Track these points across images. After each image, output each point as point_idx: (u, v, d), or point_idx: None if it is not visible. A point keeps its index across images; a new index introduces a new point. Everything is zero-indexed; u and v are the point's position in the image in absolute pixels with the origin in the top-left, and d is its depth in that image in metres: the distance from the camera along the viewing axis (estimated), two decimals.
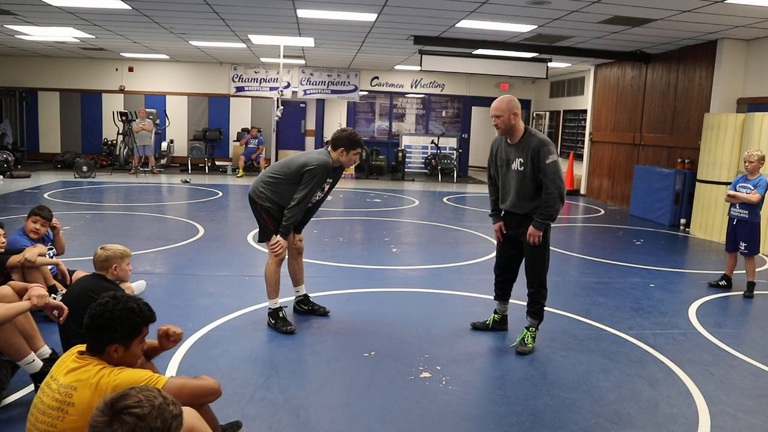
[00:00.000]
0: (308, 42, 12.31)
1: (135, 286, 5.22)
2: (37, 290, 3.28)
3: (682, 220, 10.31)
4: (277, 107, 13.99)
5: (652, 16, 8.54)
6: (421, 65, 12.54)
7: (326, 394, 3.63)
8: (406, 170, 17.13)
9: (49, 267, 4.76)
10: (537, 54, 12.19)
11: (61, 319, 3.23)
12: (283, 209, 4.49)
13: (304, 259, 5.07)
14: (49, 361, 3.41)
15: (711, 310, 5.67)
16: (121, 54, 15.94)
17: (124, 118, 15.60)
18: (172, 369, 3.80)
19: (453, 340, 4.58)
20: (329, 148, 4.58)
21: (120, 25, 11.18)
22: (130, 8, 9.42)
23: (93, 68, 17.20)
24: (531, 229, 4.29)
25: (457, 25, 9.88)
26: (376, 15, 9.30)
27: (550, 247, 4.54)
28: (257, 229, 4.79)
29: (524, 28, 9.93)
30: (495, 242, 4.80)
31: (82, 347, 2.36)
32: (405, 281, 6.27)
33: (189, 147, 16.83)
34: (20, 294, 3.44)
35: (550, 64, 13.20)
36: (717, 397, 3.73)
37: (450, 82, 18.09)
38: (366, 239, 8.65)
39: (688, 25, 8.97)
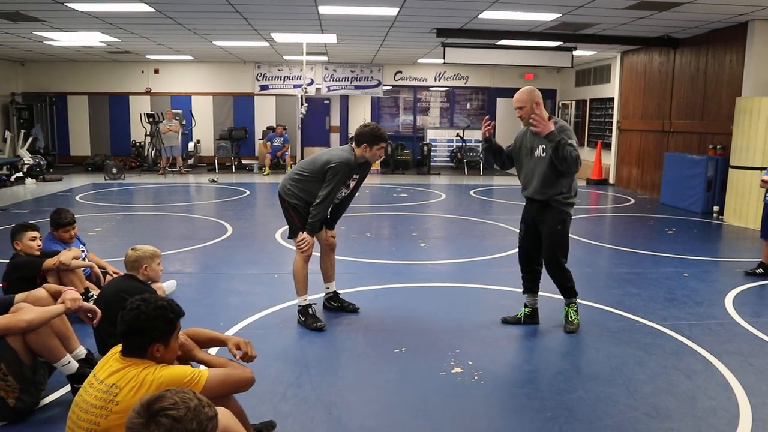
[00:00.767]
0: (331, 38, 12.32)
1: (166, 286, 5.28)
2: (71, 294, 3.33)
3: (716, 208, 10.10)
4: (302, 104, 14.03)
5: (680, 0, 8.35)
6: (444, 58, 12.45)
7: (358, 391, 3.63)
8: (431, 164, 17.06)
9: (83, 269, 4.84)
10: (562, 43, 12.01)
11: (95, 321, 3.28)
12: (310, 206, 4.50)
13: (334, 256, 5.07)
14: (85, 362, 3.46)
15: (748, 299, 5.54)
16: (147, 56, 16.13)
17: (151, 119, 15.80)
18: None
19: (484, 334, 4.54)
20: (353, 145, 4.57)
21: (144, 27, 11.31)
22: (154, 11, 9.51)
23: (119, 71, 17.44)
24: (537, 115, 4.25)
25: (479, 16, 9.79)
26: (398, 9, 9.25)
27: (571, 236, 4.57)
28: (286, 227, 4.81)
29: (548, 17, 9.79)
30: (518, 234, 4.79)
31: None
32: (433, 276, 6.24)
33: (215, 146, 16.99)
34: (55, 297, 3.49)
35: (575, 53, 12.99)
36: (757, 389, 3.64)
37: (474, 74, 17.96)
38: (393, 234, 8.63)
39: (717, 8, 8.76)
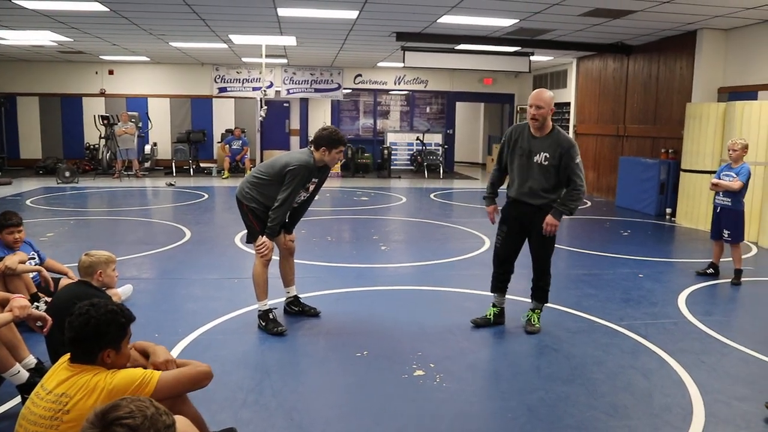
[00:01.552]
0: (290, 41, 12.24)
1: (121, 291, 5.16)
2: (19, 301, 3.21)
3: (668, 210, 10.38)
4: (261, 107, 13.90)
5: (633, 8, 8.57)
6: (404, 62, 12.51)
7: (320, 396, 3.60)
8: (392, 167, 17.09)
9: (32, 275, 4.67)
10: (519, 48, 12.20)
11: (45, 330, 3.16)
12: (269, 209, 4.44)
13: (294, 259, 5.03)
14: (35, 371, 3.34)
15: (700, 298, 5.70)
16: (101, 57, 15.75)
17: (105, 121, 15.41)
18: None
19: (445, 336, 4.56)
20: (312, 148, 4.54)
21: (98, 27, 11.05)
22: (108, 10, 9.30)
23: (72, 72, 17.00)
24: (549, 218, 4.42)
25: (439, 21, 9.86)
26: (357, 12, 9.25)
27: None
28: (245, 231, 4.74)
29: (506, 22, 9.93)
30: (490, 237, 4.86)
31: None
32: (395, 279, 6.25)
33: (173, 149, 16.69)
34: (2, 304, 3.37)
35: (532, 58, 13.22)
36: (710, 385, 3.74)
37: (433, 78, 18.08)
38: (354, 238, 8.61)
39: (668, 16, 9.02)
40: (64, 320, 2.69)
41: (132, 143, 15.23)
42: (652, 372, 3.96)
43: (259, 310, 4.62)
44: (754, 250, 7.95)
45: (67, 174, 13.95)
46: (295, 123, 18.41)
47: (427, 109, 18.97)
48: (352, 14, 9.44)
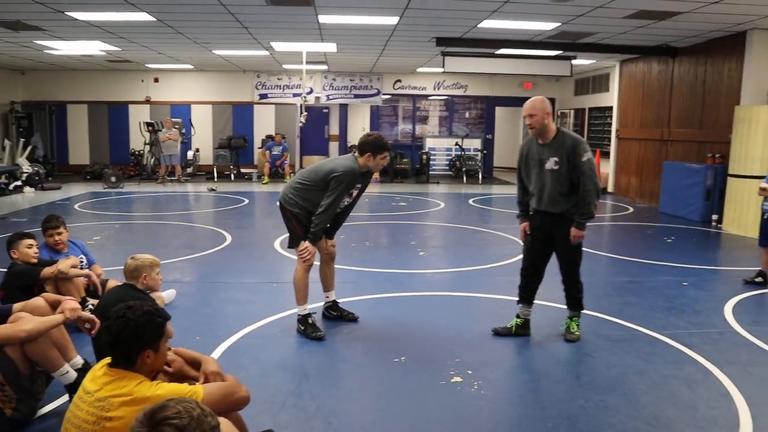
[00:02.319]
0: (330, 47, 12.35)
1: (165, 295, 5.27)
2: (70, 303, 3.32)
3: (714, 216, 10.10)
4: (301, 113, 14.05)
5: (678, 9, 8.38)
6: (443, 67, 12.50)
7: (357, 401, 3.62)
8: (430, 173, 17.06)
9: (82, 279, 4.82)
10: (561, 51, 12.06)
11: (93, 331, 3.26)
12: (312, 215, 4.49)
13: (334, 265, 5.06)
14: (83, 371, 3.44)
15: (748, 307, 5.53)
16: (147, 65, 16.17)
17: (150, 128, 15.81)
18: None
19: (483, 343, 4.53)
20: (356, 154, 4.57)
21: (145, 36, 11.34)
22: (155, 20, 9.54)
23: (119, 80, 17.47)
24: (574, 230, 4.37)
25: (479, 26, 9.82)
26: (397, 18, 9.29)
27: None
28: (285, 236, 4.80)
29: (547, 26, 9.83)
30: (522, 244, 4.77)
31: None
32: (433, 285, 6.23)
33: (214, 155, 17.00)
34: (53, 306, 3.48)
35: (574, 62, 13.05)
36: (758, 398, 3.62)
37: (473, 83, 18.00)
38: (392, 243, 8.63)
39: (716, 17, 8.79)
40: None
41: (175, 149, 15.57)
42: (697, 383, 3.86)
43: (299, 315, 4.66)
44: None
45: (113, 179, 14.34)
46: (334, 129, 18.54)
47: (466, 114, 18.89)
48: (393, 20, 9.48)
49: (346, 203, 4.70)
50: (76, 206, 11.35)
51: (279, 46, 12.27)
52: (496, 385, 3.81)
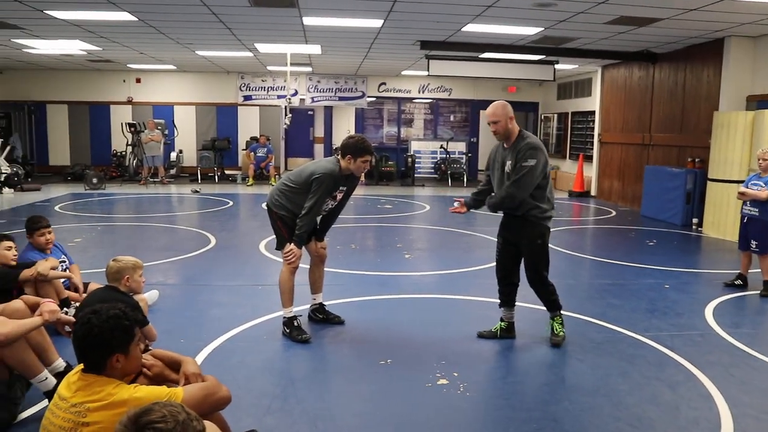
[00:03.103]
0: (315, 49, 12.34)
1: (148, 297, 5.22)
2: (49, 306, 3.28)
3: (695, 220, 10.23)
4: (286, 115, 14.01)
5: (659, 16, 8.50)
6: (428, 70, 12.54)
7: (344, 404, 3.61)
8: (415, 175, 17.09)
9: (62, 280, 4.76)
10: (544, 56, 12.16)
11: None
12: (297, 218, 4.48)
13: (324, 267, 5.05)
14: (64, 376, 3.40)
15: (728, 310, 5.61)
16: (128, 65, 16.03)
17: (132, 129, 15.69)
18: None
19: (469, 345, 4.54)
20: (339, 156, 4.57)
21: (126, 36, 11.25)
22: (136, 19, 9.46)
23: (100, 80, 17.30)
24: (462, 203, 4.61)
25: (463, 29, 9.88)
26: (382, 21, 9.30)
27: (554, 247, 4.59)
28: (270, 238, 4.78)
29: (530, 31, 9.91)
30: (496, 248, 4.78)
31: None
32: (419, 287, 6.25)
33: (198, 157, 16.89)
34: (32, 308, 3.44)
35: (557, 66, 13.16)
36: (739, 399, 3.67)
37: (457, 87, 18.08)
38: (378, 246, 8.63)
39: (695, 24, 8.93)
40: None
41: (158, 150, 15.45)
42: (679, 384, 3.91)
43: (284, 317, 4.65)
44: None
45: (95, 180, 14.19)
46: (319, 131, 18.54)
47: (451, 118, 18.97)
48: (377, 23, 9.50)
49: (331, 206, 4.70)
50: (56, 207, 11.21)
51: (263, 48, 12.24)
52: (481, 387, 3.83)
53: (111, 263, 3.94)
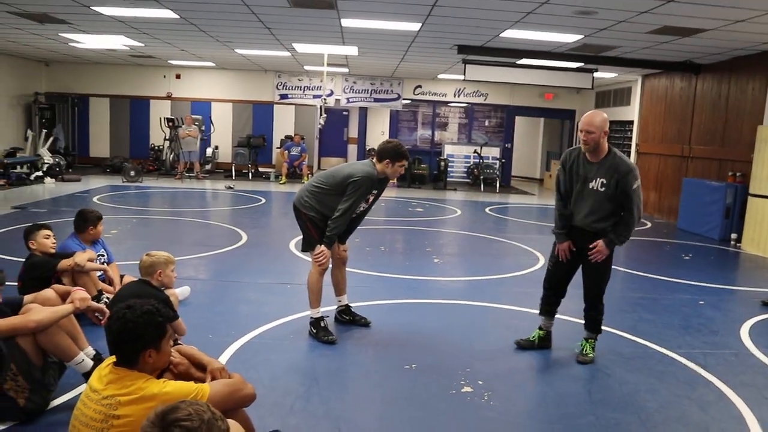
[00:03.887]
0: (352, 51, 12.39)
1: (179, 292, 5.29)
2: (80, 293, 3.36)
3: (733, 235, 9.98)
4: (321, 115, 14.09)
5: (704, 27, 8.32)
6: (464, 75, 12.48)
7: (367, 407, 3.61)
8: (448, 179, 17.03)
9: (98, 273, 4.87)
10: (582, 64, 12.00)
11: (103, 321, 3.30)
12: (327, 219, 4.49)
13: (346, 269, 5.07)
14: (96, 361, 3.47)
15: (765, 330, 5.45)
16: (169, 61, 16.31)
17: (170, 124, 15.97)
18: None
19: (495, 354, 4.51)
20: (374, 159, 4.57)
21: (168, 33, 11.45)
22: (179, 17, 9.63)
23: (142, 75, 17.64)
24: (601, 245, 4.25)
25: (501, 35, 9.81)
26: (420, 24, 9.30)
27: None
28: (300, 237, 4.81)
29: (570, 38, 9.79)
30: (545, 254, 4.74)
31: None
32: (446, 293, 6.22)
33: (233, 153, 17.10)
34: (63, 297, 3.53)
35: (595, 74, 12.99)
36: None
37: (493, 92, 17.96)
38: (407, 249, 8.62)
39: (741, 35, 8.71)
40: None
41: (194, 146, 15.68)
42: (710, 404, 3.81)
43: (311, 318, 4.67)
44: None
45: (132, 173, 14.47)
46: (353, 131, 18.60)
47: (486, 122, 18.86)
48: (415, 26, 9.49)
49: (362, 209, 4.70)
50: (95, 199, 11.46)
51: (301, 48, 12.33)
52: (506, 397, 3.79)
53: (144, 257, 4.02)
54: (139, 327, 2.31)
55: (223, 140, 17.64)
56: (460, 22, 9.03)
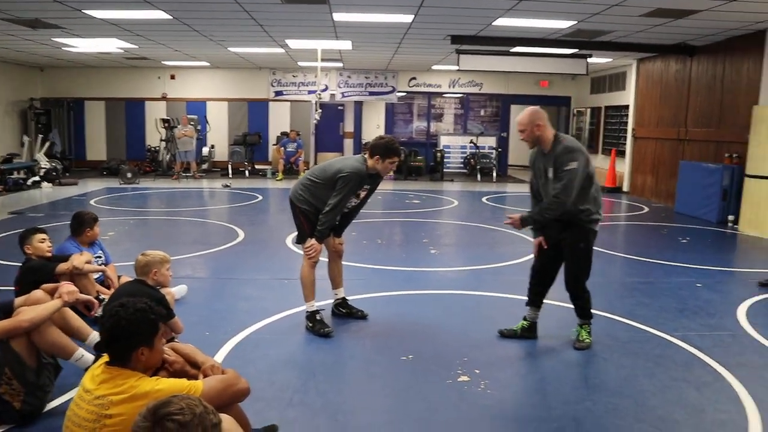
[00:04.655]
0: (345, 45, 12.37)
1: (176, 291, 5.31)
2: (67, 287, 3.39)
3: (730, 217, 9.98)
4: (316, 110, 14.08)
5: (697, 7, 8.29)
6: (458, 65, 12.45)
7: (364, 398, 3.63)
8: (444, 170, 17.03)
9: (96, 275, 4.88)
10: (577, 50, 11.97)
11: (93, 312, 3.33)
12: (320, 213, 4.51)
13: (342, 262, 5.08)
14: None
15: (762, 310, 5.46)
16: (163, 62, 16.29)
17: (166, 124, 15.96)
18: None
19: (492, 342, 4.52)
20: (366, 155, 4.58)
21: (161, 34, 11.43)
22: (171, 17, 9.61)
23: (136, 77, 17.63)
24: (515, 218, 4.27)
25: (494, 24, 9.78)
26: (412, 16, 9.27)
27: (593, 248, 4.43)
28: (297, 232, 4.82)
29: (563, 24, 9.77)
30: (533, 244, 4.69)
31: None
32: (444, 283, 6.23)
33: (229, 151, 17.08)
34: (52, 295, 3.54)
35: (590, 60, 12.95)
36: None
37: (488, 81, 17.93)
38: (404, 241, 8.63)
39: (734, 15, 8.68)
40: None
41: (191, 145, 15.68)
42: (706, 386, 3.82)
43: (307, 311, 4.68)
44: None
45: (129, 175, 14.48)
46: (349, 126, 18.57)
47: (482, 112, 18.84)
48: (407, 18, 9.47)
49: (353, 203, 4.71)
50: (92, 202, 11.47)
51: (294, 44, 12.31)
52: (503, 385, 3.81)
53: (139, 257, 4.04)
54: (132, 324, 2.33)
55: (219, 139, 17.64)
56: (453, 12, 9.01)
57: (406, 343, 4.44)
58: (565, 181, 4.05)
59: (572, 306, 4.54)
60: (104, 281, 4.98)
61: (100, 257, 5.27)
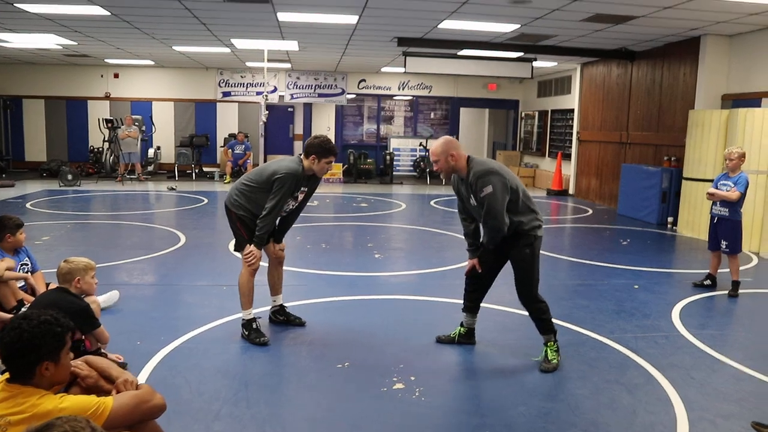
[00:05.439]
0: (292, 45, 12.23)
1: (107, 298, 5.13)
2: None
3: (670, 219, 10.26)
4: (263, 111, 13.88)
5: (634, 13, 8.48)
6: (405, 67, 12.46)
7: (296, 408, 3.54)
8: (394, 173, 17.03)
9: (20, 283, 4.65)
10: (522, 53, 12.12)
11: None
12: (257, 218, 4.40)
13: (285, 267, 4.98)
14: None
15: (695, 311, 5.60)
16: (106, 60, 15.82)
17: (109, 125, 15.50)
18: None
19: (431, 349, 4.49)
20: (302, 156, 4.49)
21: (101, 31, 11.07)
22: (109, 14, 9.32)
23: (78, 75, 17.06)
24: (473, 263, 4.30)
25: (439, 26, 9.81)
26: (357, 17, 9.22)
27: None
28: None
29: (507, 28, 9.87)
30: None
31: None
32: (386, 288, 6.18)
33: (176, 153, 16.70)
34: None
35: (535, 64, 13.14)
36: (697, 403, 3.65)
37: (438, 84, 18.02)
38: (349, 245, 8.56)
39: (671, 22, 8.93)
40: None
41: (135, 147, 15.27)
42: (638, 388, 3.87)
43: (243, 319, 4.56)
44: (755, 260, 7.83)
45: (70, 177, 13.99)
46: (299, 128, 18.40)
47: (431, 115, 18.92)
48: (352, 19, 9.41)
49: (291, 206, 4.61)
50: (28, 205, 11.03)
51: (239, 43, 12.11)
52: (438, 392, 3.77)
53: (62, 264, 3.87)
54: (35, 338, 2.19)
55: (165, 140, 17.23)
56: (398, 14, 8.99)
57: (343, 351, 4.36)
58: (487, 207, 3.98)
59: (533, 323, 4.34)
60: (27, 289, 4.75)
61: (26, 265, 5.02)
